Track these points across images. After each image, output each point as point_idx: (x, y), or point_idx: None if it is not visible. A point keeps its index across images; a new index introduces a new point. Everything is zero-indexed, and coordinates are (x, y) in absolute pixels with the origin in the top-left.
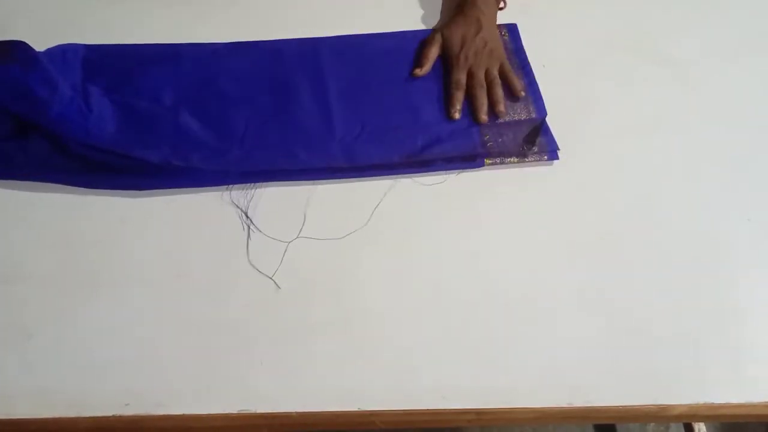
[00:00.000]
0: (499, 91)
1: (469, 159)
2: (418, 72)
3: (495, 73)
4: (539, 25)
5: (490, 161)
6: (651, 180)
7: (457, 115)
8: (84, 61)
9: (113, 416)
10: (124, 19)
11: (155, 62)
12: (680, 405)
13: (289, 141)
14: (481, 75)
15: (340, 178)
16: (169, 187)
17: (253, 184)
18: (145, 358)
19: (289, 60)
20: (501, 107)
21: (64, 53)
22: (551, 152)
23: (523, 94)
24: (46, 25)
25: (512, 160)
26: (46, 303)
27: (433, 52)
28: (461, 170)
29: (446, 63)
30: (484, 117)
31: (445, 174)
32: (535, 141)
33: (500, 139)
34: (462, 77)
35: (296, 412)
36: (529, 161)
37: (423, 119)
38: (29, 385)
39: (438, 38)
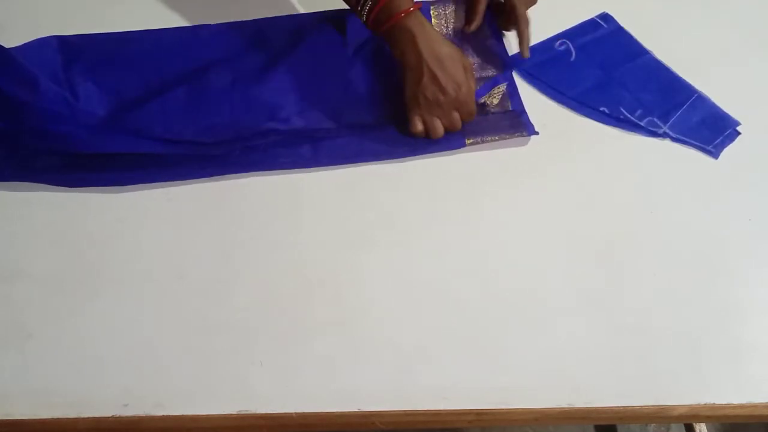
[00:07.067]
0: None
1: (450, 139)
2: (468, 28)
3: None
4: (540, 22)
5: (470, 141)
6: (651, 180)
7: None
8: (64, 52)
9: (112, 417)
10: (124, 17)
11: (136, 46)
12: (681, 405)
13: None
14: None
15: (323, 165)
16: (152, 182)
17: (239, 174)
18: (144, 358)
19: (271, 39)
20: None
21: (41, 47)
22: (528, 127)
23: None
24: (46, 24)
25: (492, 138)
26: (46, 303)
27: (481, 5)
28: (444, 152)
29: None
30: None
31: (442, 171)
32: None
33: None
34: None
35: (296, 413)
36: (508, 138)
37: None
38: (29, 385)
39: None
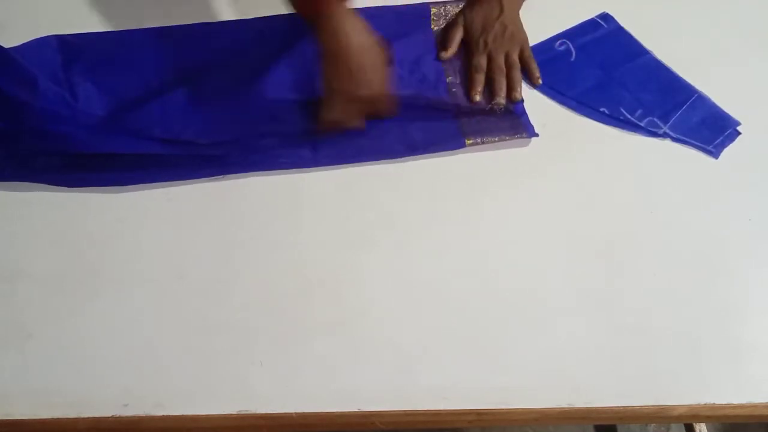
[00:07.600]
0: (518, 76)
1: (450, 139)
2: (444, 55)
3: (515, 57)
4: (540, 22)
5: (470, 141)
6: (651, 180)
7: (477, 98)
8: (63, 52)
9: (112, 417)
10: (124, 17)
11: (136, 46)
12: (681, 406)
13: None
14: (500, 59)
15: (323, 165)
16: (152, 182)
17: (239, 174)
18: (144, 358)
19: (271, 39)
20: (517, 93)
21: (40, 46)
22: (528, 128)
23: (540, 81)
24: (46, 24)
25: (492, 139)
26: (46, 303)
27: (456, 35)
28: (444, 152)
29: (467, 45)
30: (501, 101)
31: (442, 171)
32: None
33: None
34: (482, 61)
35: (296, 413)
36: (508, 140)
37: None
38: (28, 385)
39: (460, 20)
